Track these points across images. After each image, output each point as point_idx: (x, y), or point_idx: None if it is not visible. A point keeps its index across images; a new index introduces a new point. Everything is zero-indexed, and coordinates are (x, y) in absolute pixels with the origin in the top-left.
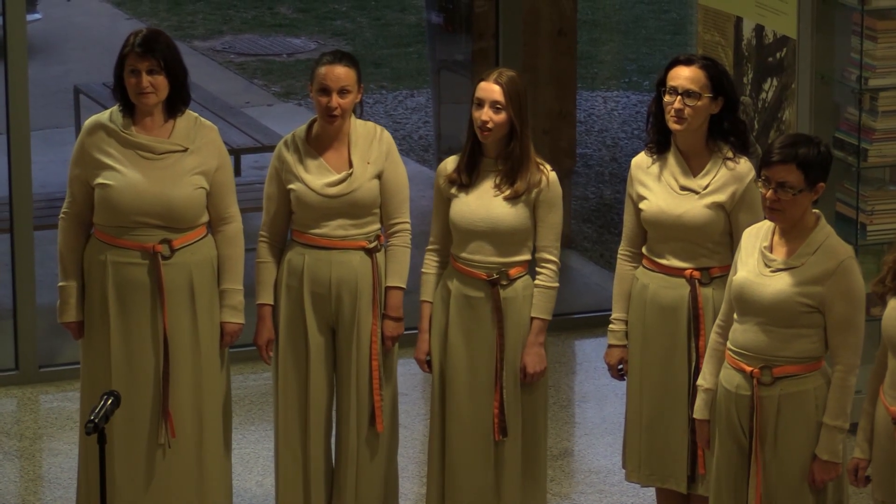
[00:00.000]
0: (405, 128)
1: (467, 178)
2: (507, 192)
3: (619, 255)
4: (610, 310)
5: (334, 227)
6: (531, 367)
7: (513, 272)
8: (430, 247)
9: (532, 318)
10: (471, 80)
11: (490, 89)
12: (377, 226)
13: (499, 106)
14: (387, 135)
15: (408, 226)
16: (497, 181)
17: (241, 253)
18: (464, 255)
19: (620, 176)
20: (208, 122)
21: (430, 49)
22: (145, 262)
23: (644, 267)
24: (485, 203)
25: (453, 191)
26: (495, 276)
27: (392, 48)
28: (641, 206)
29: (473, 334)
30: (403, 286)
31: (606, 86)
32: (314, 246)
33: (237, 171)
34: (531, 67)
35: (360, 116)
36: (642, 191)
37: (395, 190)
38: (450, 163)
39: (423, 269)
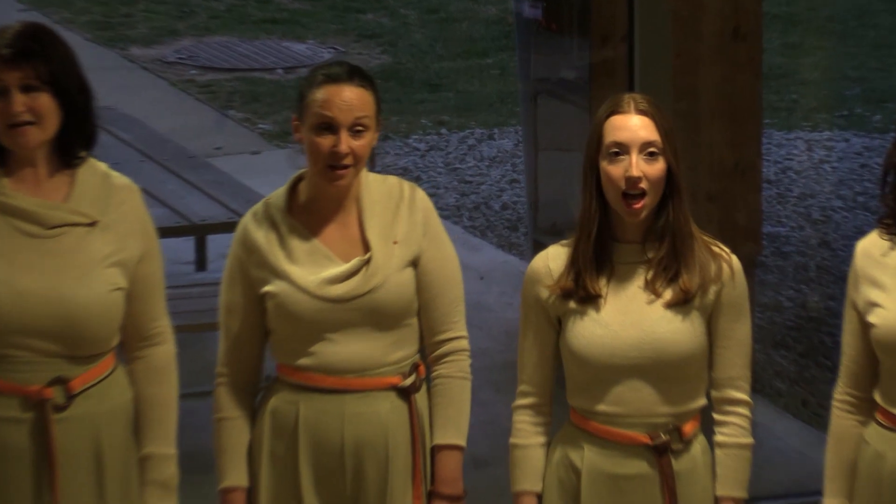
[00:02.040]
0: (480, 190)
1: (594, 281)
2: (670, 295)
3: (834, 403)
4: (819, 492)
5: (346, 354)
6: None
7: (688, 428)
8: (523, 401)
9: (718, 500)
10: (588, 112)
11: (634, 126)
12: (414, 348)
13: (654, 150)
14: (420, 195)
15: (464, 343)
16: (649, 278)
17: (173, 393)
18: (603, 407)
19: (836, 270)
20: (124, 179)
21: (522, 61)
22: (26, 417)
23: (878, 423)
24: (634, 318)
25: (572, 304)
26: (663, 438)
27: (458, 59)
28: (872, 318)
29: None
30: (462, 443)
31: (812, 122)
32: (313, 388)
33: (201, 263)
34: (688, 91)
35: (374, 168)
36: (874, 294)
37: (441, 285)
38: (553, 258)
39: (513, 439)
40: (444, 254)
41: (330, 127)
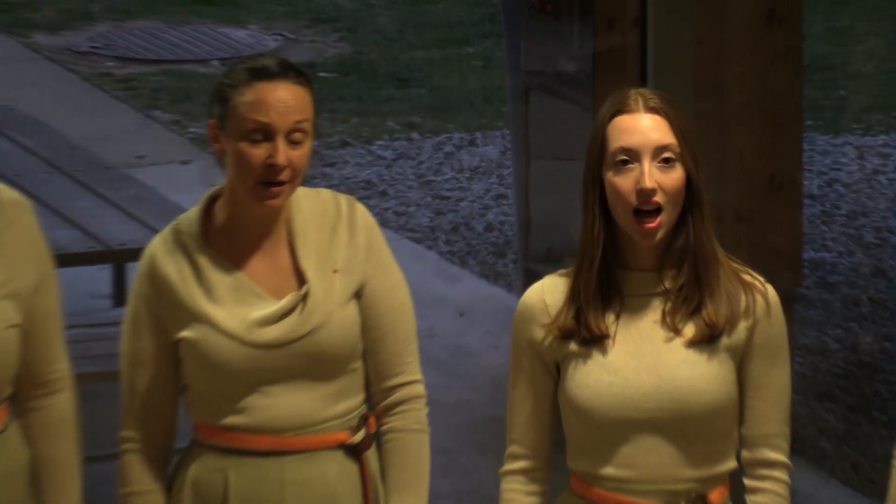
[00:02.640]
0: (459, 208)
1: (600, 318)
2: (692, 332)
3: (894, 464)
4: None
5: (283, 409)
6: None
7: (715, 496)
8: (513, 465)
9: None
10: (591, 112)
11: (645, 128)
12: (361, 396)
13: (670, 156)
14: (360, 211)
15: (420, 388)
16: (666, 311)
17: (74, 450)
18: (611, 471)
19: (893, 305)
20: (13, 194)
21: (511, 50)
22: None
23: None
24: (649, 361)
25: (572, 347)
26: None
27: (432, 48)
28: None
29: None
30: None
31: (864, 125)
32: (244, 451)
33: (119, 297)
34: (712, 87)
35: (307, 181)
36: None
37: (391, 319)
38: (549, 290)
39: None
40: (392, 281)
41: (265, 132)
